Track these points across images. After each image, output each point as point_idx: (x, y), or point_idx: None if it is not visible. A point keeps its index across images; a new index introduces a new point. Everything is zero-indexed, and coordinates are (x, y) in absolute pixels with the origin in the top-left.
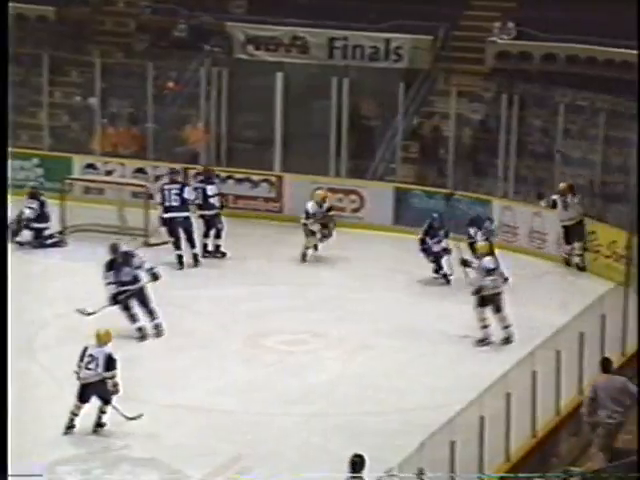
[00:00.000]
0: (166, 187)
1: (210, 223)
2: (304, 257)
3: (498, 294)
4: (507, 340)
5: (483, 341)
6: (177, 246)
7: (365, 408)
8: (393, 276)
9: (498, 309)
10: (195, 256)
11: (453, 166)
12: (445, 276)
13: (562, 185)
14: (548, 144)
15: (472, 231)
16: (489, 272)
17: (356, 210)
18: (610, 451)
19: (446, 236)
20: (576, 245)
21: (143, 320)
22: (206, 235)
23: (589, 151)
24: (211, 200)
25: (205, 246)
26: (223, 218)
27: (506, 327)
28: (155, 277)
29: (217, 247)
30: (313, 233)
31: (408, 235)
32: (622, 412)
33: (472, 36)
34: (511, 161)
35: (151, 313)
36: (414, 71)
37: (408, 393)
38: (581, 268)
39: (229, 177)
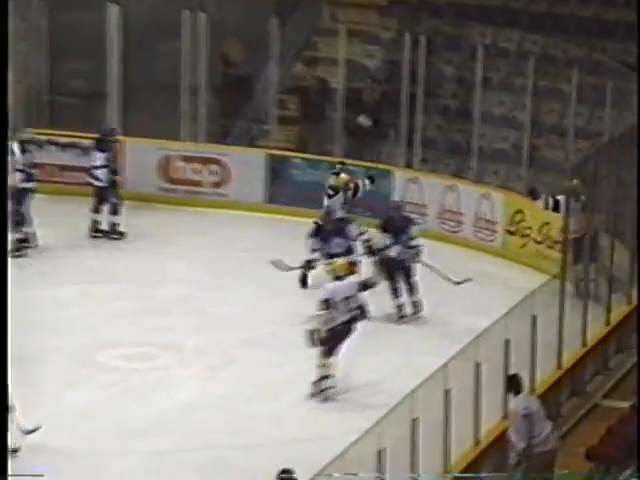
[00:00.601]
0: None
1: (101, 196)
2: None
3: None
4: (316, 395)
5: (319, 381)
6: (22, 225)
7: (230, 440)
8: (265, 270)
9: (324, 351)
10: (28, 236)
11: (343, 127)
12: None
13: (570, 183)
14: (463, 97)
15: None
16: (322, 303)
17: (217, 184)
18: None
19: (364, 241)
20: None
21: None
22: (95, 210)
23: (515, 107)
24: (96, 171)
25: (95, 224)
26: (41, 196)
27: (323, 378)
28: None
29: (114, 226)
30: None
31: (285, 217)
32: (555, 434)
33: None
34: (417, 120)
35: None
36: (290, 3)
37: (286, 420)
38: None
39: (50, 142)
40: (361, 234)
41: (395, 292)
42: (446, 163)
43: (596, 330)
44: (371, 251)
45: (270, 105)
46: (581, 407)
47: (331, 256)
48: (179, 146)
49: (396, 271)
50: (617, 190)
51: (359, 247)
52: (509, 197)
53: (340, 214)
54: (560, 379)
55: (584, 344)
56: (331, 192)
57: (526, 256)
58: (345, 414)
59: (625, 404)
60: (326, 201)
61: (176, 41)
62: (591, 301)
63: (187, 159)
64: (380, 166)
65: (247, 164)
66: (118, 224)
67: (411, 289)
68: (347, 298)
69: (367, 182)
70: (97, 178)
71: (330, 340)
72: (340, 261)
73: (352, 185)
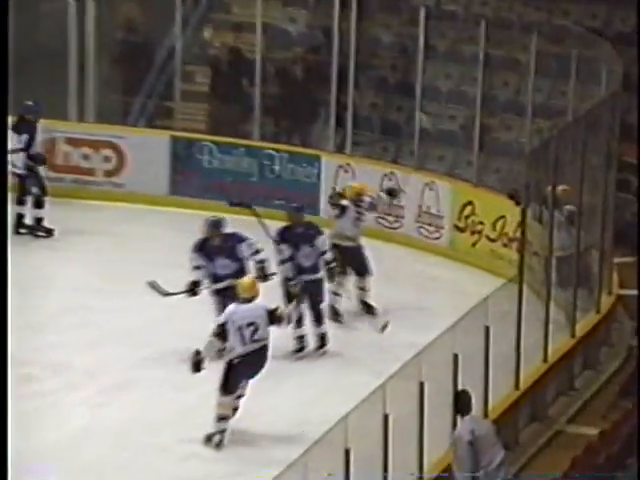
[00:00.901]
0: None
1: (22, 187)
2: (337, 315)
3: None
4: (209, 439)
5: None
6: None
7: (128, 477)
8: (168, 274)
9: (221, 387)
10: None
11: (262, 104)
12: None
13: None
14: (403, 69)
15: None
16: (218, 328)
17: (111, 173)
18: None
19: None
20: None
21: None
22: (20, 202)
23: (463, 80)
24: (12, 157)
25: (20, 217)
26: None
27: (218, 419)
28: None
29: (38, 221)
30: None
31: (191, 211)
32: (507, 466)
33: None
34: (349, 96)
35: None
36: None
37: (194, 455)
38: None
39: None
40: (256, 252)
41: (297, 320)
42: (383, 147)
43: (560, 343)
44: (264, 275)
45: (174, 78)
46: (542, 434)
47: (216, 278)
48: (65, 127)
49: (299, 294)
50: (584, 178)
51: (252, 268)
52: (457, 187)
53: (354, 232)
54: (517, 401)
55: (545, 359)
56: (338, 211)
57: (477, 256)
58: (263, 445)
59: (593, 430)
60: (336, 222)
61: (61, 2)
62: (554, 308)
63: (75, 142)
64: (306, 151)
65: (147, 148)
66: (42, 219)
67: (317, 318)
68: (251, 325)
69: (384, 196)
70: (13, 165)
71: (227, 374)
72: (246, 279)
73: (367, 197)
